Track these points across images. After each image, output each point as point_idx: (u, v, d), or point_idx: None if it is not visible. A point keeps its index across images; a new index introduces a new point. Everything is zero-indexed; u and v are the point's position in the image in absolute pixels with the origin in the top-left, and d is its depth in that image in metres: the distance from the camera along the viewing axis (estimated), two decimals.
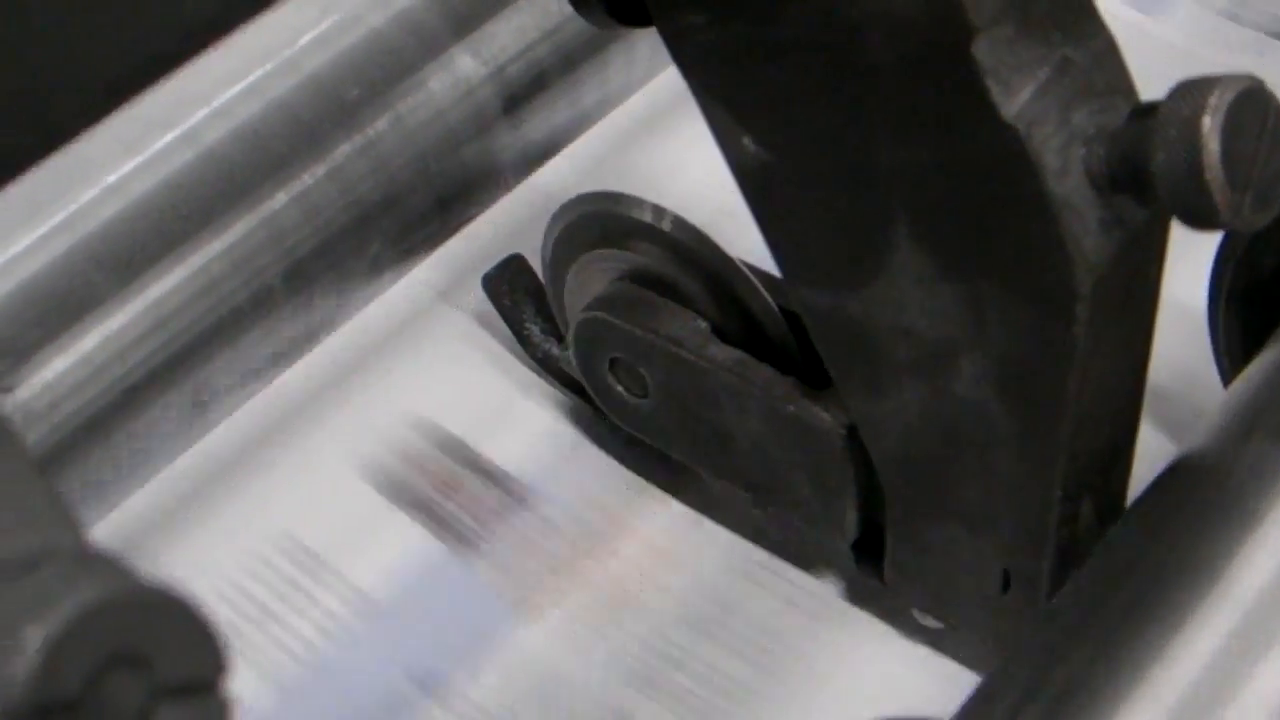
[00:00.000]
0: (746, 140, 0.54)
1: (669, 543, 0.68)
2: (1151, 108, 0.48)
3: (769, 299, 0.62)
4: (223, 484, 0.66)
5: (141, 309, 0.58)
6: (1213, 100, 0.47)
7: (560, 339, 0.70)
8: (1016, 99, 0.49)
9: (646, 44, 0.71)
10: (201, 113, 0.61)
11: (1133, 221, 0.50)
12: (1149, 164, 0.47)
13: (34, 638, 0.30)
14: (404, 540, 0.67)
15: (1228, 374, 0.64)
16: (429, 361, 0.72)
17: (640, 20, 0.54)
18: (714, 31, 0.52)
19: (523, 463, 0.70)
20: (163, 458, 0.60)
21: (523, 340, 0.71)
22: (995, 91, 0.48)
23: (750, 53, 0.52)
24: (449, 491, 0.68)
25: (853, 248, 0.54)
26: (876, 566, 0.63)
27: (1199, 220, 0.48)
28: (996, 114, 0.48)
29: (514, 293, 0.71)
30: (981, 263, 0.52)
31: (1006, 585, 0.58)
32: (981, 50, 0.48)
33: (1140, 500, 0.56)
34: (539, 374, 0.72)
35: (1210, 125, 0.47)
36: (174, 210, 0.59)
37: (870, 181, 0.52)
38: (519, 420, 0.71)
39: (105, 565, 0.32)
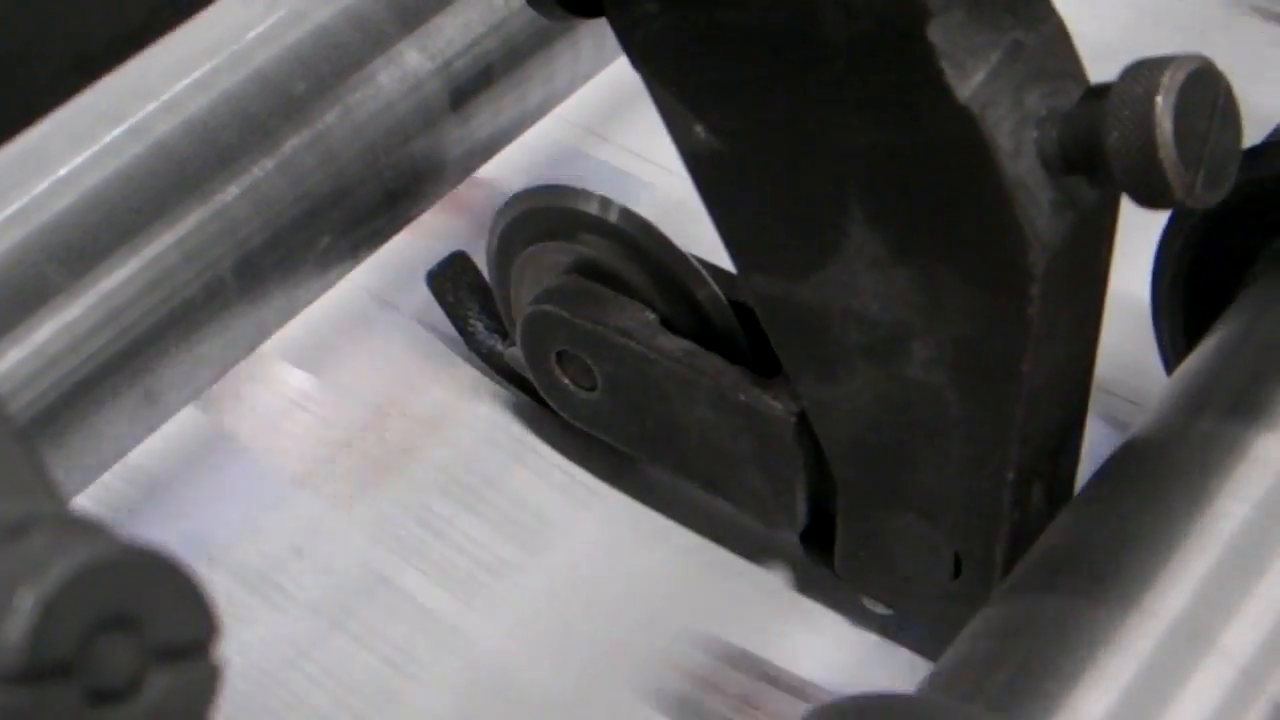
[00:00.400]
0: (698, 128, 0.54)
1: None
2: (1104, 89, 0.49)
3: (716, 289, 0.62)
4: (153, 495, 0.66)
5: (94, 301, 0.57)
6: (1165, 80, 0.48)
7: (505, 335, 0.70)
8: (970, 81, 0.49)
9: (590, 39, 0.71)
10: (151, 106, 0.60)
11: (1084, 202, 0.51)
12: (1103, 144, 0.48)
13: (26, 599, 0.29)
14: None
15: (1171, 361, 0.65)
16: (374, 359, 0.72)
17: (591, 10, 0.54)
18: (667, 19, 0.53)
19: (470, 461, 0.70)
20: (113, 451, 0.60)
21: (467, 337, 0.71)
22: (950, 74, 0.49)
23: (703, 39, 0.53)
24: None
25: (805, 233, 0.54)
26: (826, 555, 0.63)
27: (1152, 199, 0.49)
28: (951, 96, 0.49)
29: (458, 290, 0.71)
30: (935, 245, 0.52)
31: (958, 570, 0.59)
32: (935, 33, 0.49)
33: (1091, 481, 0.56)
34: (484, 371, 0.72)
35: (1163, 105, 0.47)
36: (125, 203, 0.59)
37: (823, 166, 0.52)
38: (463, 417, 0.71)
39: (92, 529, 0.32)
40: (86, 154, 0.59)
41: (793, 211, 0.54)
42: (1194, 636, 0.51)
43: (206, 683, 0.31)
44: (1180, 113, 0.48)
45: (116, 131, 0.60)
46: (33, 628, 0.29)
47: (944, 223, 0.51)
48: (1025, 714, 0.48)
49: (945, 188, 0.51)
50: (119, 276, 0.58)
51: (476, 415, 0.71)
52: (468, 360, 0.72)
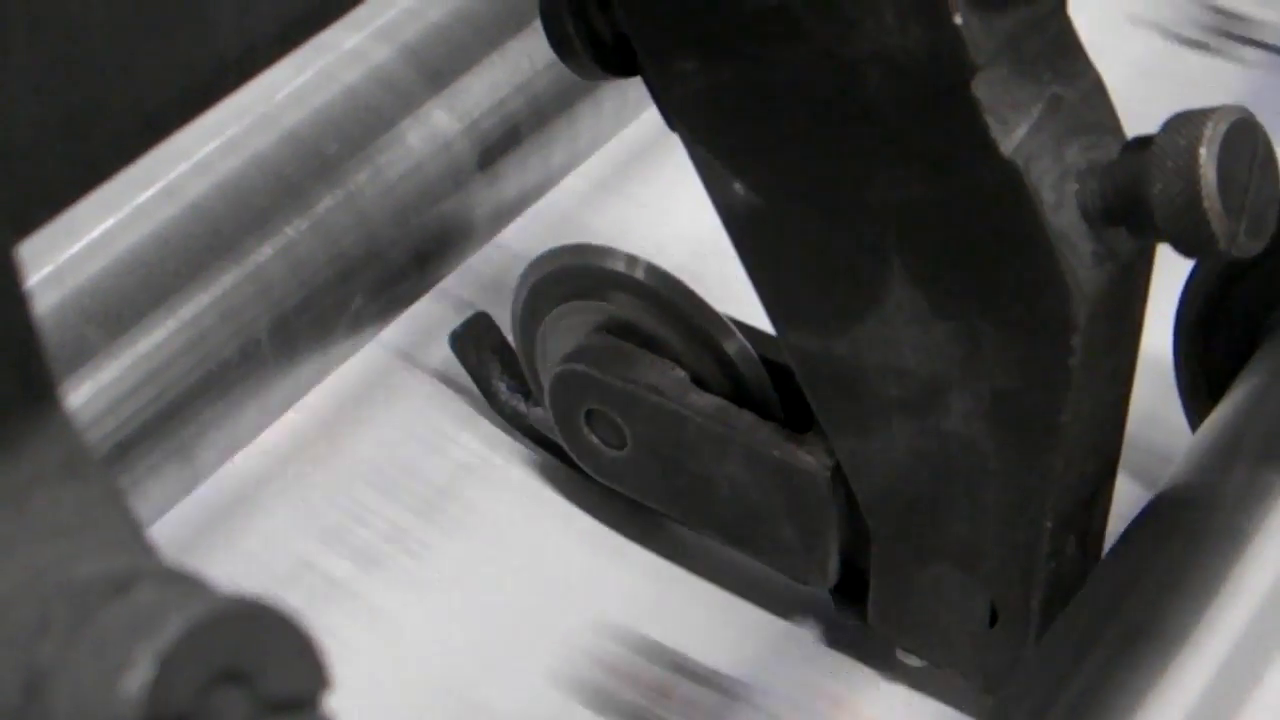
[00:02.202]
0: (737, 185, 0.55)
1: None
2: (1146, 140, 0.50)
3: (746, 344, 0.63)
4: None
5: (131, 362, 0.58)
6: (1207, 131, 0.48)
7: (527, 395, 0.71)
8: (1013, 135, 0.50)
9: (612, 99, 0.72)
10: (183, 167, 0.61)
11: (1123, 254, 0.51)
12: (1146, 195, 0.49)
13: (145, 655, 0.30)
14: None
15: (1194, 411, 0.65)
16: (399, 419, 0.72)
17: (626, 70, 0.55)
18: (706, 77, 0.53)
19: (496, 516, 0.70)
20: (151, 512, 0.60)
21: (490, 397, 0.72)
22: (994, 128, 0.49)
23: (743, 97, 0.53)
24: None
25: (845, 289, 0.55)
26: (858, 609, 0.63)
27: (1196, 248, 0.49)
28: (996, 150, 0.49)
29: (480, 350, 0.71)
30: (976, 298, 0.52)
31: (994, 620, 0.59)
32: (980, 88, 0.49)
33: (1127, 532, 0.57)
34: (507, 430, 0.72)
35: (1206, 156, 0.48)
36: (162, 265, 0.59)
37: (864, 222, 0.53)
38: (490, 473, 0.71)
39: (197, 584, 0.32)
40: (118, 216, 0.59)
41: (832, 267, 0.55)
42: (1238, 684, 0.51)
43: None
44: (1223, 163, 0.48)
45: (149, 193, 0.60)
46: (151, 682, 0.30)
47: (985, 275, 0.52)
48: None
49: (987, 241, 0.51)
50: (156, 338, 0.58)
51: (500, 473, 0.71)
52: (490, 419, 0.72)
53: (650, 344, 0.64)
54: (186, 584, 0.32)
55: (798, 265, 0.55)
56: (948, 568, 0.59)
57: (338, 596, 0.66)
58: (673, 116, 0.55)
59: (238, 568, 0.65)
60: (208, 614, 0.30)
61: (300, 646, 0.31)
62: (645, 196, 0.80)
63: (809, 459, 0.61)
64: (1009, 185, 0.50)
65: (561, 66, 0.54)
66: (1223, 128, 0.48)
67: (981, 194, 0.50)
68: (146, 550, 0.34)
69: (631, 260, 0.63)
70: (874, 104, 0.50)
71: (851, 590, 0.63)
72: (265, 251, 0.61)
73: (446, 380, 0.73)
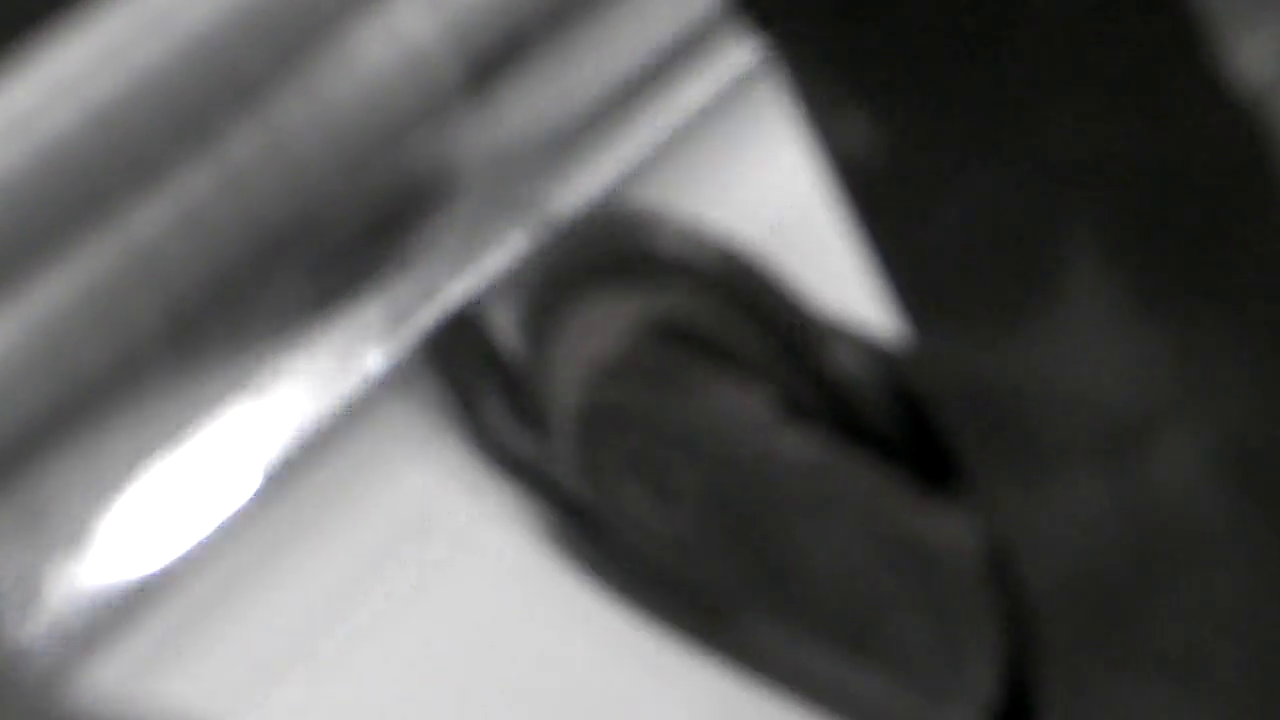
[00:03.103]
0: (858, 123, 0.56)
1: None
2: None
3: (863, 357, 0.64)
4: None
5: None
6: None
7: (534, 426, 0.72)
8: (1245, 58, 0.52)
9: None
10: (35, 87, 0.62)
11: None
12: None
13: None
14: None
15: None
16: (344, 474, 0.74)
17: None
18: None
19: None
20: None
21: (477, 427, 0.73)
22: (1217, 48, 0.51)
23: None
24: None
25: (1008, 277, 0.57)
26: None
27: None
28: (1218, 79, 0.51)
29: (469, 363, 0.72)
30: (1199, 291, 0.54)
31: None
32: None
33: None
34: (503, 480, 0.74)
35: None
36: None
37: (1037, 179, 0.55)
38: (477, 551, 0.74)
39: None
40: None
41: (989, 244, 0.57)
42: None
43: None
44: None
45: None
46: None
47: (1212, 258, 0.54)
48: None
49: (1215, 208, 0.53)
50: None
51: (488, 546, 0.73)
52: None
53: (719, 355, 0.66)
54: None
55: (941, 242, 0.57)
56: (1161, 690, 0.60)
57: None
58: (765, 17, 0.57)
59: None
60: None
61: None
62: (708, 143, 0.81)
63: (952, 527, 0.63)
64: (1244, 128, 0.52)
65: None
66: None
67: (1205, 140, 0.52)
68: None
69: (691, 234, 0.64)
70: (1050, 10, 0.52)
71: (1014, 718, 0.65)
72: (154, 215, 0.62)
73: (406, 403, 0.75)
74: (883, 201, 0.58)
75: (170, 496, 0.67)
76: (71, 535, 0.63)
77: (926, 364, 0.59)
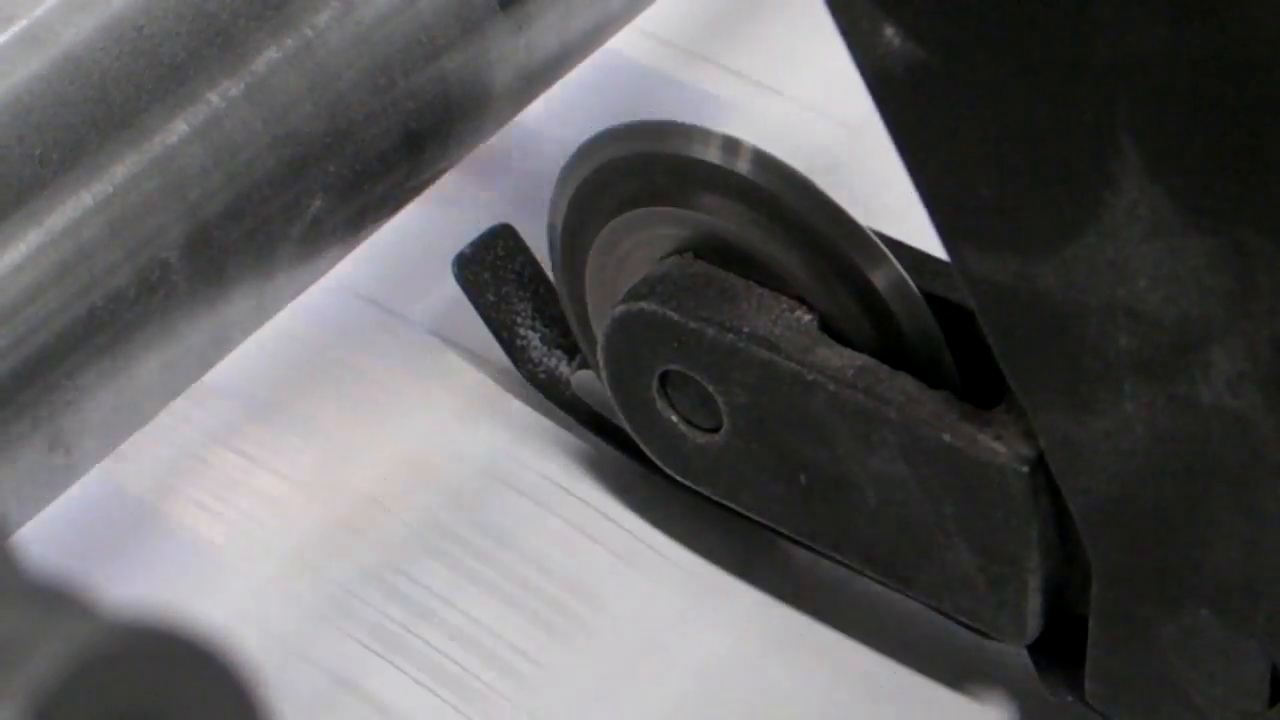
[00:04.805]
0: (890, 30, 0.56)
1: None
2: None
3: (904, 274, 0.64)
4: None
5: None
6: None
7: (573, 351, 0.72)
8: None
9: None
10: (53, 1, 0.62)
11: None
12: None
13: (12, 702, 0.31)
14: None
15: None
16: (380, 398, 0.74)
17: None
18: None
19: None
20: (20, 514, 0.61)
21: (514, 353, 0.73)
22: None
23: None
24: None
25: (1050, 187, 0.56)
26: (1069, 676, 0.64)
27: None
28: None
29: (500, 282, 0.72)
30: (1252, 201, 0.53)
31: (1276, 694, 0.60)
32: None
33: None
34: (538, 406, 0.73)
35: None
36: (20, 146, 0.60)
37: (1079, 85, 0.54)
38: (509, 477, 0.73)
39: (77, 603, 0.34)
40: None
41: (1029, 155, 0.56)
42: None
43: None
44: None
45: (2, 38, 0.61)
46: None
47: (1264, 167, 0.53)
48: None
49: (1266, 114, 0.52)
50: (12, 257, 0.60)
51: (524, 468, 0.72)
52: (516, 392, 0.74)
53: (759, 273, 0.65)
54: (64, 603, 0.33)
55: (980, 152, 0.56)
56: (1207, 615, 0.60)
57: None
58: None
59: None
60: (95, 649, 0.32)
61: (226, 688, 0.33)
62: (745, 58, 0.80)
63: (998, 447, 0.62)
64: None
65: None
66: None
67: (1257, 44, 0.51)
68: (5, 561, 0.35)
69: (731, 145, 0.64)
70: None
71: (1060, 649, 0.64)
72: (177, 128, 0.62)
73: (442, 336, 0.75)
74: (915, 114, 0.57)
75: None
76: (85, 462, 0.63)
77: (969, 281, 0.59)
